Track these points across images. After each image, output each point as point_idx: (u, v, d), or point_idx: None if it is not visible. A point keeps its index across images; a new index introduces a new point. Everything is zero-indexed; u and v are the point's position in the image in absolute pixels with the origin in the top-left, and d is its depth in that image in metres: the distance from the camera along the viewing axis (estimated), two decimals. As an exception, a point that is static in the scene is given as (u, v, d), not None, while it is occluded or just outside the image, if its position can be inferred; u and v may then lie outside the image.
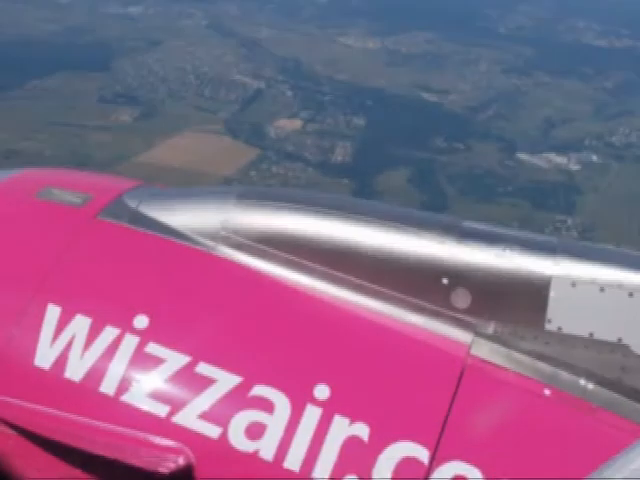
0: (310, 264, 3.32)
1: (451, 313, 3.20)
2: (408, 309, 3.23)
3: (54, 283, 3.29)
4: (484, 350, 3.16)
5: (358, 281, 3.28)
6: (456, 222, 3.39)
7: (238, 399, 3.01)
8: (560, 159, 54.77)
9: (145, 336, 3.11)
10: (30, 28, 74.72)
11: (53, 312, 3.20)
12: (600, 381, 3.08)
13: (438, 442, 2.89)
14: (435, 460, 2.88)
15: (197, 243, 3.42)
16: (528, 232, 3.47)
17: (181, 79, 65.00)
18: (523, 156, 54.91)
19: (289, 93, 63.43)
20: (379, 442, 2.92)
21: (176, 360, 3.07)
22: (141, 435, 3.02)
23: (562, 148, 56.11)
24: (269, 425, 2.94)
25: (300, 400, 2.98)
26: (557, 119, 62.37)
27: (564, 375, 3.12)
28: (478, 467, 2.87)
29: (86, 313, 3.19)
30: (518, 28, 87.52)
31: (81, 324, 3.16)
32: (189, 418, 3.00)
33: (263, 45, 75.84)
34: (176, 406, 3.02)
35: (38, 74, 61.27)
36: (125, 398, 3.07)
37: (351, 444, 2.92)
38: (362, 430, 2.93)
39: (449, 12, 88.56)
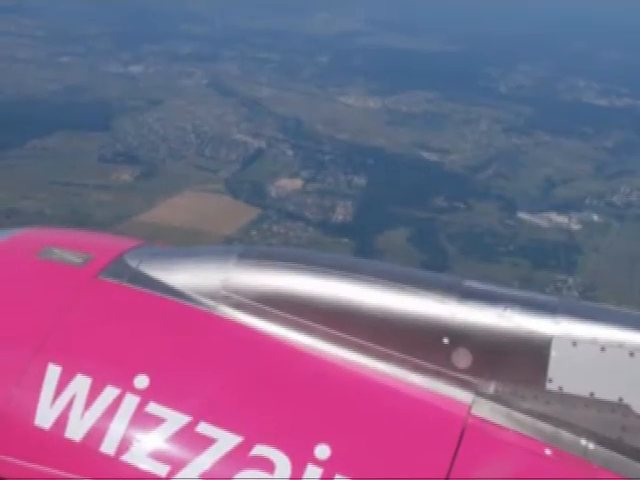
0: (311, 324, 3.37)
1: (452, 373, 3.24)
2: (409, 369, 3.28)
3: (55, 343, 3.33)
4: (485, 410, 3.19)
5: (359, 341, 3.33)
6: (457, 281, 3.43)
7: (239, 459, 3.03)
8: (561, 218, 55.36)
9: (145, 396, 3.15)
10: (30, 87, 76.41)
11: (53, 372, 3.23)
12: (601, 441, 3.08)
13: None
14: None
15: (198, 303, 3.49)
16: (529, 291, 3.52)
17: (181, 138, 66.31)
18: (524, 215, 55.61)
19: (290, 152, 64.65)
20: None
21: (176, 420, 3.11)
22: None
23: (563, 207, 56.92)
24: None
25: (301, 460, 3.00)
26: (558, 178, 63.28)
27: (565, 435, 3.12)
28: None
29: (87, 373, 3.22)
30: (518, 87, 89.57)
31: (82, 384, 3.19)
32: (190, 478, 3.04)
33: (264, 104, 77.54)
34: (177, 466, 3.05)
35: (38, 133, 62.50)
36: (126, 458, 3.09)
37: None
38: None
39: (450, 71, 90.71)
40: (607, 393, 3.08)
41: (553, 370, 3.13)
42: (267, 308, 3.43)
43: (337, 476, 3.00)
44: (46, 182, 55.59)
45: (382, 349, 3.31)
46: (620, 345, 3.07)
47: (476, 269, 46.12)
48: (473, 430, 3.15)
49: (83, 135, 64.44)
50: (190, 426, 3.10)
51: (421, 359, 3.27)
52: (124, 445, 3.11)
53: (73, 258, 3.71)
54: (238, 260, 3.55)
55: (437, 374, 3.25)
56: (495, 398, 3.20)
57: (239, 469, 3.02)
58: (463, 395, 3.22)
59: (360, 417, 3.19)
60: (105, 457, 3.11)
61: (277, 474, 2.99)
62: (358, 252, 47.02)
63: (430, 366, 3.26)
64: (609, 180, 63.27)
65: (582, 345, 3.10)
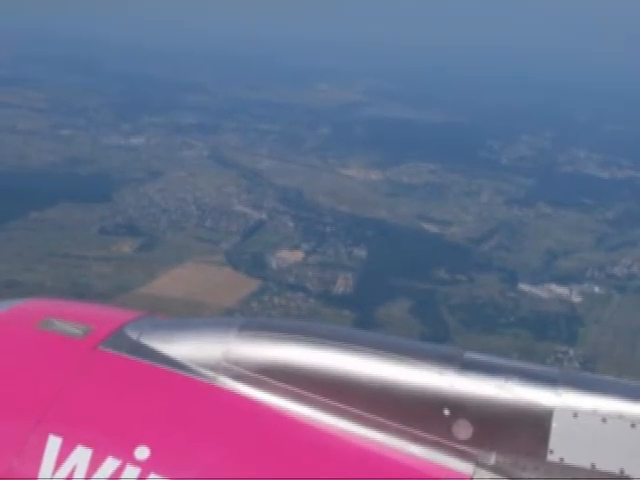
0: (311, 395, 3.42)
1: (452, 444, 3.26)
2: (409, 440, 3.30)
3: (55, 414, 3.37)
4: None
5: (358, 412, 3.37)
6: (457, 353, 3.45)
7: None
8: (562, 290, 56.32)
9: (146, 467, 3.18)
10: (31, 159, 78.44)
11: (54, 443, 3.27)
12: None
13: None
14: None
15: (198, 374, 3.54)
16: (529, 363, 3.54)
17: (182, 210, 67.85)
18: (525, 287, 56.59)
19: (290, 224, 66.11)
20: None
21: None
22: None
23: (564, 279, 58.03)
24: None
25: None
26: (559, 250, 64.62)
27: None
28: None
29: (87, 444, 3.25)
30: (520, 159, 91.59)
31: (82, 455, 3.22)
32: None
33: (264, 176, 79.48)
34: None
35: (39, 205, 64.04)
36: None
37: None
38: None
39: (451, 142, 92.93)
40: (608, 464, 3.11)
41: (554, 441, 3.15)
42: (268, 379, 3.48)
43: None
44: (46, 254, 56.80)
45: (382, 420, 3.34)
46: (621, 416, 3.10)
47: (477, 341, 46.95)
48: None
49: (84, 207, 65.89)
50: None
51: (421, 430, 3.29)
52: None
53: (73, 329, 3.78)
54: (239, 332, 3.61)
55: (437, 445, 3.28)
56: (496, 469, 3.22)
57: None
58: (464, 466, 3.24)
59: None
60: None
61: None
62: (359, 324, 47.74)
63: (430, 437, 3.29)
64: (610, 252, 64.60)
65: (583, 416, 3.14)
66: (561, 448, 3.16)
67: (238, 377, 3.53)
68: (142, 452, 3.23)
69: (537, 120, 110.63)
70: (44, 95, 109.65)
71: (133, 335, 3.78)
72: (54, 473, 3.22)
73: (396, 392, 3.35)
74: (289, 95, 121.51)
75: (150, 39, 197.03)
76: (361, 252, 61.30)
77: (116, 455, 3.24)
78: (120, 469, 3.21)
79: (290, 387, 3.47)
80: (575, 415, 3.15)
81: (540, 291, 56.46)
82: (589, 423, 3.14)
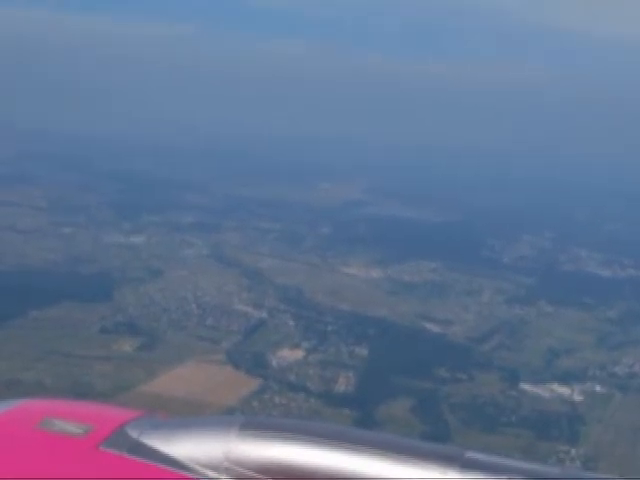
0: None
1: None
2: None
3: None
4: None
5: None
6: (458, 452, 3.48)
7: None
8: (563, 389, 57.44)
9: None
10: (31, 257, 79.64)
11: None
12: None
13: None
14: None
15: (199, 474, 3.55)
16: (531, 462, 3.55)
17: (183, 308, 68.95)
18: (526, 386, 57.70)
19: (291, 323, 67.29)
20: None
21: None
22: None
23: (565, 378, 59.26)
24: None
25: None
26: (560, 349, 65.95)
27: None
28: None
29: None
30: (521, 258, 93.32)
31: None
32: None
33: (265, 274, 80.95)
34: None
35: (39, 304, 64.97)
36: None
37: None
38: None
39: (452, 241, 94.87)
40: None
41: None
42: None
43: None
44: (47, 352, 57.66)
45: None
46: None
47: (478, 440, 47.86)
48: None
49: (84, 306, 67.05)
50: None
51: None
52: None
53: (73, 429, 3.79)
54: (240, 431, 3.62)
55: None
56: None
57: None
58: None
59: None
60: None
61: None
62: (360, 423, 48.42)
63: None
64: (612, 351, 65.93)
65: None
66: None
67: (240, 477, 3.54)
68: None
69: (537, 218, 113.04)
70: (43, 193, 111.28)
71: (134, 434, 3.80)
72: None
73: None
74: (288, 193, 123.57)
75: (146, 136, 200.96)
76: (362, 351, 62.39)
77: None
78: None
79: None
80: None
81: (541, 390, 57.51)
82: None
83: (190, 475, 3.60)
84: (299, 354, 61.56)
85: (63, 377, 54.13)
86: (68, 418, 3.93)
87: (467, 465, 3.36)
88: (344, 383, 56.94)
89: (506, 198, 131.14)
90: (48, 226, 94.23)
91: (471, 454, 3.46)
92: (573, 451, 49.20)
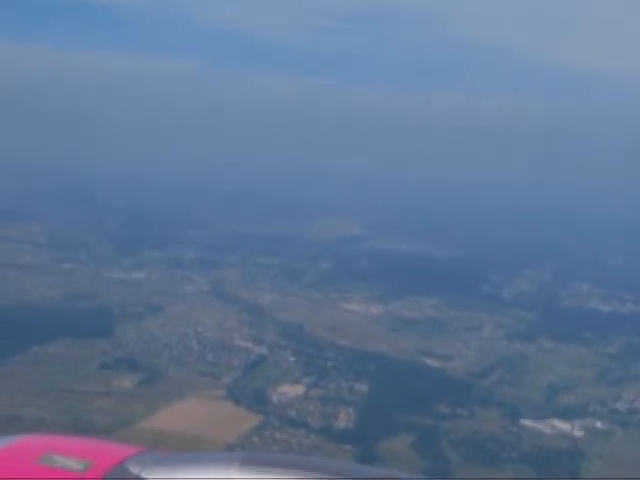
0: None
1: None
2: None
3: None
4: None
5: None
6: None
7: None
8: (564, 425, 57.73)
9: None
10: (32, 294, 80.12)
11: None
12: None
13: None
14: None
15: None
16: None
17: (183, 344, 69.41)
18: (527, 422, 58.01)
19: (292, 358, 67.82)
20: None
21: None
22: None
23: (566, 414, 59.61)
24: None
25: None
26: (560, 385, 66.36)
27: None
28: None
29: None
30: (521, 293, 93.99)
31: None
32: None
33: (265, 310, 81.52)
34: None
35: (39, 340, 65.37)
36: None
37: None
38: None
39: (453, 277, 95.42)
40: None
41: None
42: None
43: None
44: (47, 389, 57.89)
45: None
46: None
47: (479, 476, 48.53)
48: None
49: (85, 342, 67.53)
50: None
51: None
52: None
53: (74, 464, 3.82)
54: (240, 467, 3.65)
55: None
56: None
57: None
58: None
59: None
60: None
61: None
62: (360, 459, 48.72)
63: None
64: (612, 386, 66.30)
65: None
66: None
67: None
68: None
69: (539, 254, 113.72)
70: (44, 229, 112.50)
71: (135, 470, 3.83)
72: None
73: None
74: (288, 229, 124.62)
75: (147, 171, 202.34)
76: (362, 386, 62.75)
77: None
78: None
79: None
80: None
81: (542, 426, 57.81)
82: None
83: None
84: (299, 390, 61.87)
85: (63, 413, 54.19)
86: (68, 454, 3.96)
87: None
88: (344, 419, 57.20)
89: (504, 232, 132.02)
90: (48, 262, 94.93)
91: None
92: (574, 487, 49.51)
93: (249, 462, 3.72)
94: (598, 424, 59.10)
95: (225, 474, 3.65)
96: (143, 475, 3.80)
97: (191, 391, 60.01)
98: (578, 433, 57.52)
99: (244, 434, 53.52)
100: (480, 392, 64.38)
